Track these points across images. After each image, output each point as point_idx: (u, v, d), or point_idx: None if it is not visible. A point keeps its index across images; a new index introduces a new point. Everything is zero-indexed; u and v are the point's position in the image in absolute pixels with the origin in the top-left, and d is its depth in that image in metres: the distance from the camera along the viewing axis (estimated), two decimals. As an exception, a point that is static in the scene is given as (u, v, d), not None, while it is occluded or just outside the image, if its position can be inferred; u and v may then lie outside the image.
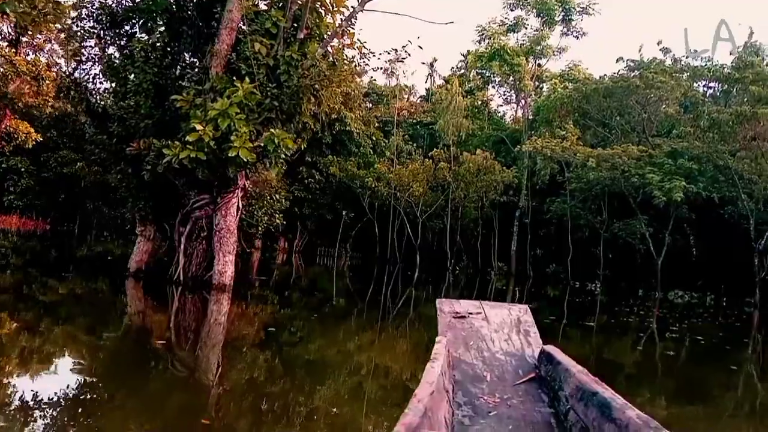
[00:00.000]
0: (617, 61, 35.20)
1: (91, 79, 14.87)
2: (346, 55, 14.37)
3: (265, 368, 7.30)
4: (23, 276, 13.91)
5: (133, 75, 13.14)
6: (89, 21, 14.33)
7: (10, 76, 27.84)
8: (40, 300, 10.84)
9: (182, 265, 13.26)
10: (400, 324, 12.81)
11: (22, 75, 27.87)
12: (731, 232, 28.38)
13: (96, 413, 4.87)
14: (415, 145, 43.07)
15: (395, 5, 20.51)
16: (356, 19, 14.26)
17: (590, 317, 17.44)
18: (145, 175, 12.66)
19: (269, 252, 36.58)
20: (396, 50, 17.01)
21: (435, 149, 38.66)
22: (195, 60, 14.53)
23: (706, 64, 33.28)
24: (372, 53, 15.18)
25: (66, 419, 4.65)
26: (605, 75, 35.03)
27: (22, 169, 34.35)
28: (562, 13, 40.92)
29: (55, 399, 5.05)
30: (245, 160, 11.58)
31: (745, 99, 29.91)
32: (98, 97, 14.92)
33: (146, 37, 13.93)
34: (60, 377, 5.96)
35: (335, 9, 14.14)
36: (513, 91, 45.03)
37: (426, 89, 53.93)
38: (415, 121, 46.93)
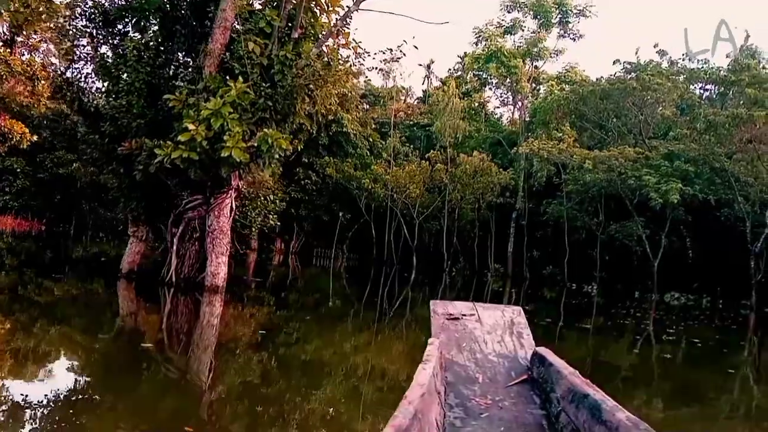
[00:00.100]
0: (614, 63, 35.30)
1: (83, 78, 14.74)
2: (341, 55, 14.31)
3: (257, 370, 7.20)
4: (17, 277, 13.78)
5: (125, 74, 13.04)
6: (82, 20, 14.22)
7: (5, 77, 27.65)
8: (35, 301, 10.73)
9: (175, 266, 13.13)
10: (396, 325, 12.73)
11: (17, 75, 27.70)
12: (727, 234, 28.36)
13: (80, 418, 4.77)
14: (412, 146, 43.02)
15: (391, 5, 20.44)
16: (351, 18, 14.22)
17: (587, 319, 17.38)
18: (137, 175, 12.52)
19: (266, 253, 36.47)
20: (391, 50, 16.84)
21: (432, 151, 38.58)
22: (188, 59, 14.41)
23: (702, 67, 33.36)
24: (367, 53, 15.07)
25: (46, 423, 4.55)
26: (602, 77, 35.00)
27: (18, 170, 34.18)
28: (559, 16, 40.93)
29: (39, 401, 4.97)
30: (238, 160, 11.47)
31: (742, 101, 29.94)
32: (91, 97, 14.78)
33: (139, 36, 13.83)
34: (46, 380, 5.88)
35: (330, 8, 14.05)
36: (510, 93, 45.08)
37: (423, 91, 53.94)
38: (412, 122, 46.91)
